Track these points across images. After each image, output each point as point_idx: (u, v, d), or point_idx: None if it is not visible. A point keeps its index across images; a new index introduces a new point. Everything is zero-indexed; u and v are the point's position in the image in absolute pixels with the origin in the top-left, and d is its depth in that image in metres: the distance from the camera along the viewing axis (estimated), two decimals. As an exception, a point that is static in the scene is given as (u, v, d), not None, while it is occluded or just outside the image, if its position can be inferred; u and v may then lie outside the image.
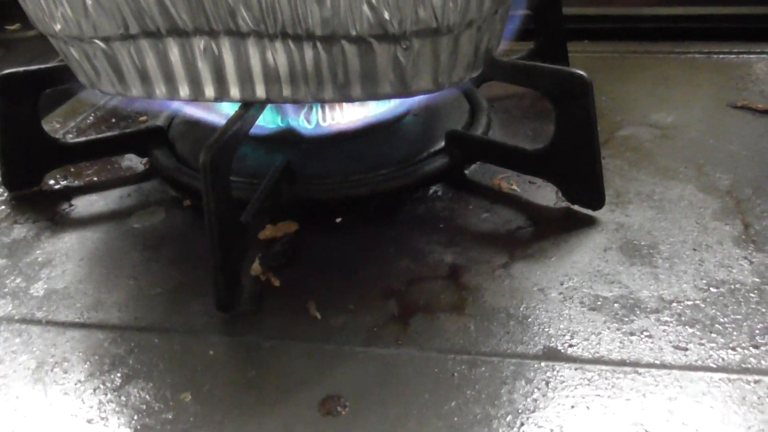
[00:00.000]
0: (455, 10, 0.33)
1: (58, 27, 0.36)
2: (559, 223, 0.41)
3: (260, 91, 0.36)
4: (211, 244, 0.33)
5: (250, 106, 0.37)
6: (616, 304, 0.34)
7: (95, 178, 0.49)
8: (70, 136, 0.55)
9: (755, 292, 0.34)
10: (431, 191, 0.44)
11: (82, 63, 0.38)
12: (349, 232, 0.41)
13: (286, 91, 0.36)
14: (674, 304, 0.34)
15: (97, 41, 0.35)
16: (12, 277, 0.39)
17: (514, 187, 0.44)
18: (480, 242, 0.39)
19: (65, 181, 0.48)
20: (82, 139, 0.49)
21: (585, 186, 0.41)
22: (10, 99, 0.44)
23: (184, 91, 0.37)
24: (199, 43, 0.35)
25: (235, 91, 0.36)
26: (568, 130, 0.40)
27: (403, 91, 0.35)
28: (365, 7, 0.31)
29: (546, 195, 0.43)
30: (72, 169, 0.49)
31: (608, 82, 0.61)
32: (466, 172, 0.46)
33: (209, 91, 0.36)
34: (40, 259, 0.40)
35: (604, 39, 0.70)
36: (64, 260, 0.40)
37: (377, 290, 0.36)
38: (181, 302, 0.36)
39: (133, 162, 0.50)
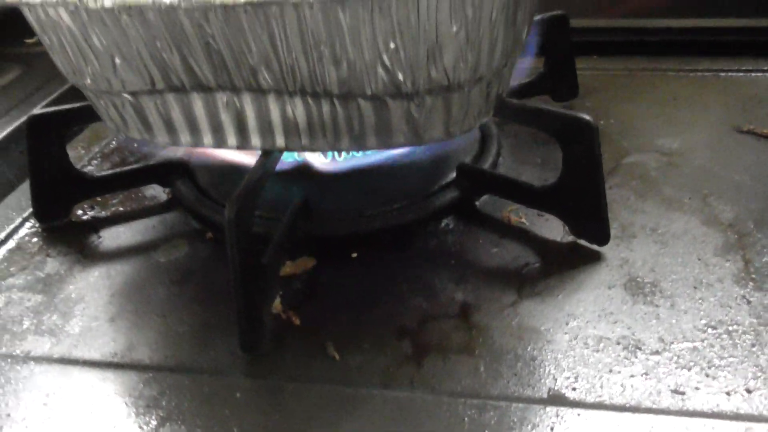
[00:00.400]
0: (466, 68, 0.34)
1: (87, 81, 0.38)
2: (565, 257, 0.43)
3: (280, 141, 0.38)
4: (235, 292, 0.35)
5: (270, 154, 0.39)
6: (618, 345, 0.36)
7: (120, 208, 0.51)
8: (95, 161, 0.57)
9: (751, 333, 0.36)
10: (443, 224, 0.46)
11: (110, 112, 0.40)
12: (364, 267, 0.43)
13: (305, 141, 0.37)
14: (674, 345, 0.36)
15: (125, 95, 0.37)
16: (48, 314, 0.41)
17: (523, 220, 0.46)
18: (489, 279, 0.41)
19: (92, 212, 0.51)
20: (108, 172, 0.51)
21: (590, 222, 0.43)
22: (39, 138, 0.46)
23: (207, 139, 0.39)
24: (222, 98, 0.36)
25: (256, 141, 0.38)
26: (574, 170, 0.42)
27: (415, 141, 0.37)
28: (380, 69, 0.33)
29: (554, 228, 0.45)
30: (98, 199, 0.52)
31: (616, 102, 0.62)
32: (477, 203, 0.48)
33: (231, 140, 0.38)
34: (73, 295, 0.42)
35: (613, 53, 0.71)
36: (96, 296, 0.42)
37: (392, 329, 0.38)
38: (207, 341, 0.38)
39: (157, 191, 0.52)
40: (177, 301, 0.41)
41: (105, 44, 0.34)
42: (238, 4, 0.29)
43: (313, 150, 0.38)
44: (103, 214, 0.50)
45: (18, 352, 0.39)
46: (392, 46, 0.32)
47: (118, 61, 0.35)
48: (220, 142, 0.39)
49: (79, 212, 0.50)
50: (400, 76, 0.33)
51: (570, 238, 0.44)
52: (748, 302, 0.38)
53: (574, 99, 0.61)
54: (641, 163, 0.52)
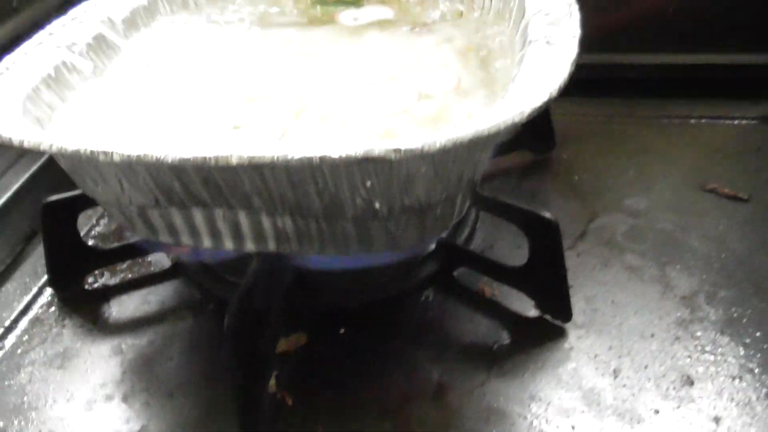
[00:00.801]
0: (436, 194, 0.38)
1: (98, 196, 0.42)
2: (533, 332, 0.47)
3: (272, 246, 0.42)
4: (233, 384, 0.40)
5: (264, 256, 0.43)
6: (573, 430, 0.41)
7: (129, 275, 0.55)
8: (104, 221, 0.61)
9: (697, 413, 0.41)
10: (423, 297, 0.51)
11: (118, 217, 0.44)
12: (351, 344, 0.47)
13: (295, 247, 0.41)
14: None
15: (131, 207, 0.41)
16: (68, 391, 0.46)
17: (496, 292, 0.50)
18: (464, 356, 0.46)
19: (102, 278, 0.55)
20: (115, 245, 0.55)
21: (554, 302, 0.47)
22: (53, 221, 0.51)
23: (206, 242, 0.43)
24: (219, 213, 0.40)
25: (250, 245, 0.42)
26: (540, 258, 0.46)
27: (394, 248, 0.41)
28: (358, 200, 0.37)
29: (523, 302, 0.49)
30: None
31: (591, 154, 0.66)
32: (455, 273, 0.52)
33: (228, 244, 0.42)
34: (89, 370, 0.47)
35: (589, 91, 0.73)
36: (110, 373, 0.47)
37: (375, 411, 0.43)
38: (213, 422, 0.43)
39: (161, 258, 0.56)
40: (185, 378, 0.46)
41: (114, 173, 0.38)
42: (231, 165, 0.33)
43: (302, 254, 0.42)
44: (112, 281, 0.55)
45: (46, 431, 0.44)
46: (369, 183, 0.36)
47: (125, 185, 0.39)
48: (217, 245, 0.43)
49: (90, 279, 0.55)
50: (377, 205, 0.37)
51: (537, 313, 0.49)
52: (691, 383, 0.43)
53: (551, 151, 0.64)
54: (608, 227, 0.56)
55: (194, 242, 0.43)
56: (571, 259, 0.53)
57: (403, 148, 0.32)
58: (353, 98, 0.47)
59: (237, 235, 0.42)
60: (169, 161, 0.33)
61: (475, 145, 0.33)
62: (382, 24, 0.56)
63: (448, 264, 0.51)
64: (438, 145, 0.32)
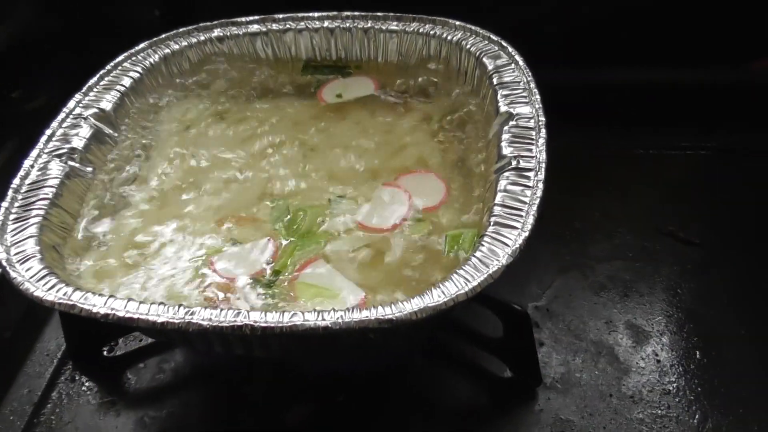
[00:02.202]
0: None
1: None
2: (508, 394, 0.54)
3: (277, 354, 0.47)
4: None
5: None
6: (541, 495, 0.49)
7: (140, 342, 0.60)
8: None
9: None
10: (411, 361, 0.57)
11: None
12: (349, 413, 0.54)
13: (299, 359, 0.47)
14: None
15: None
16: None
17: (476, 354, 0.57)
18: (448, 425, 0.53)
19: (117, 347, 0.60)
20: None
21: (527, 369, 0.54)
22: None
23: (218, 349, 0.48)
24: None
25: (259, 353, 0.47)
26: (514, 338, 0.52)
27: (385, 353, 0.47)
28: (355, 336, 0.42)
29: (500, 363, 0.56)
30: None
31: (557, 191, 0.70)
32: (439, 336, 0.58)
33: (239, 351, 0.47)
34: (121, 448, 0.53)
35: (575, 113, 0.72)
36: (139, 451, 0.53)
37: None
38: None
39: (169, 322, 0.61)
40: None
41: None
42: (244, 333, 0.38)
43: (304, 361, 0.48)
44: (127, 349, 0.60)
45: None
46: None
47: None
48: (228, 352, 0.48)
49: (105, 350, 0.60)
50: (371, 335, 0.42)
51: (511, 374, 0.55)
52: (641, 444, 0.51)
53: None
54: (572, 291, 0.61)
55: (206, 349, 0.48)
56: (541, 312, 0.59)
57: (395, 317, 0.37)
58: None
59: (246, 347, 0.47)
60: (190, 330, 0.38)
61: (457, 305, 0.38)
62: (363, 100, 0.59)
63: (434, 330, 0.57)
64: (425, 315, 0.37)
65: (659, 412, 0.52)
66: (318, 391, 0.55)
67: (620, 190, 0.70)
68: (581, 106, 0.75)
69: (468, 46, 0.58)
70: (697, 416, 0.52)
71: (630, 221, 0.67)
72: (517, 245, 0.40)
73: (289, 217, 0.50)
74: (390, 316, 0.37)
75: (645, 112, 0.76)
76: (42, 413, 0.56)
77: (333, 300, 0.42)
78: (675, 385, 0.54)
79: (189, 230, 0.51)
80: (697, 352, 0.56)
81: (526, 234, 0.41)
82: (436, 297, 0.38)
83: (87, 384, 0.58)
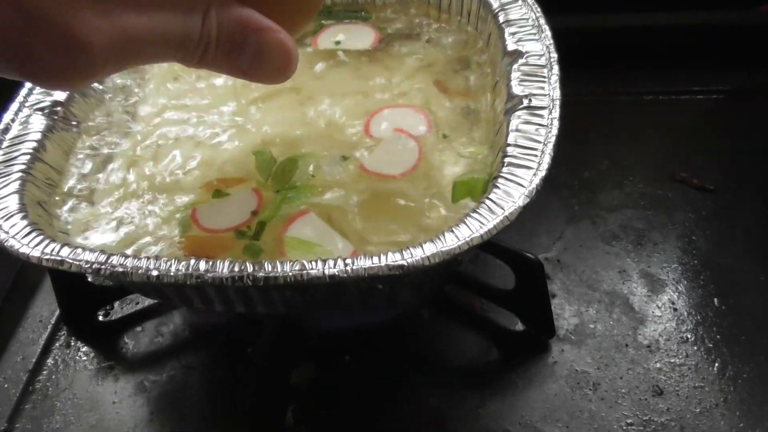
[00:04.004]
0: (434, 272, 0.41)
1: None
2: (520, 347, 0.52)
3: (281, 310, 0.45)
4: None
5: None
6: (558, 446, 0.47)
7: (137, 305, 0.58)
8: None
9: (663, 429, 0.47)
10: (419, 316, 0.55)
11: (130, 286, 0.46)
12: (356, 371, 0.52)
13: (303, 311, 0.45)
14: (601, 443, 0.47)
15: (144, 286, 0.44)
16: (105, 438, 0.50)
17: (485, 307, 0.55)
18: (458, 379, 0.51)
19: (113, 311, 0.58)
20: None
21: (539, 321, 0.52)
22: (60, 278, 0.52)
23: (218, 307, 0.45)
24: (231, 289, 0.43)
25: (261, 309, 0.45)
26: (526, 289, 0.50)
27: (393, 306, 0.45)
28: (363, 285, 0.40)
29: (510, 317, 0.54)
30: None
31: (565, 140, 0.67)
32: (446, 288, 0.56)
33: (240, 308, 0.45)
34: (119, 412, 0.51)
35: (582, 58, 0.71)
36: (139, 413, 0.51)
37: (384, 441, 0.48)
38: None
39: (166, 284, 0.59)
40: (208, 416, 0.51)
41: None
42: (246, 286, 0.35)
43: (310, 316, 0.45)
44: (123, 313, 0.58)
45: (89, 477, 0.49)
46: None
47: (153, 274, 0.41)
48: (229, 310, 0.46)
49: (101, 312, 0.58)
50: (379, 286, 0.40)
51: (524, 327, 0.53)
52: (661, 393, 0.49)
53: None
54: (584, 236, 0.59)
55: (206, 307, 0.46)
56: (551, 264, 0.57)
57: (407, 263, 0.35)
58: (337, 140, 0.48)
59: (248, 303, 0.45)
60: (188, 283, 0.36)
61: (472, 248, 0.36)
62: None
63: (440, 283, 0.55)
64: (438, 260, 0.35)
65: (677, 360, 0.51)
66: (323, 351, 0.53)
67: (630, 137, 0.68)
68: (587, 51, 0.71)
69: (471, -15, 0.55)
70: (716, 364, 0.50)
71: (641, 169, 0.65)
72: (534, 185, 0.38)
73: (275, 167, 0.47)
74: (401, 262, 0.35)
75: (654, 57, 0.73)
76: (37, 380, 0.54)
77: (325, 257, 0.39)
78: (693, 333, 0.52)
79: (175, 185, 0.48)
80: (715, 300, 0.54)
81: (543, 173, 0.38)
82: (450, 241, 0.36)
83: (83, 349, 0.56)
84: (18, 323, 0.58)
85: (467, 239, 0.35)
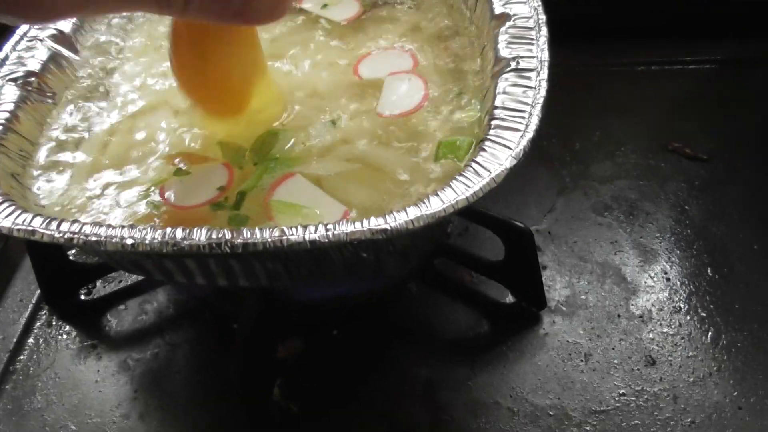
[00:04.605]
0: (420, 239, 0.40)
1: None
2: (510, 319, 0.52)
3: (264, 282, 0.43)
4: (244, 403, 0.44)
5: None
6: (550, 417, 0.46)
7: (120, 284, 0.57)
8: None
9: (653, 399, 0.46)
10: (407, 288, 0.54)
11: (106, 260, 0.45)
12: (344, 346, 0.51)
13: (286, 282, 0.43)
14: (594, 416, 0.46)
15: (123, 260, 0.42)
16: (88, 414, 0.49)
17: (475, 280, 0.54)
18: (448, 351, 0.50)
19: (95, 290, 0.57)
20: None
21: (530, 293, 0.51)
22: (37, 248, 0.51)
23: (200, 280, 0.44)
24: (212, 261, 0.42)
25: (243, 282, 0.43)
26: (516, 259, 0.49)
27: (379, 276, 0.44)
28: (346, 253, 0.38)
29: (500, 289, 0.53)
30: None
31: (555, 113, 0.66)
32: (435, 262, 0.55)
33: (222, 281, 0.44)
34: (102, 390, 0.50)
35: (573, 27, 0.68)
36: (122, 392, 0.50)
37: (373, 414, 0.47)
38: (229, 434, 0.47)
39: (149, 262, 0.58)
40: (194, 391, 0.50)
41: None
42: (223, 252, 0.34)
43: (294, 287, 0.44)
44: (105, 291, 0.56)
45: (71, 456, 0.48)
46: (355, 242, 0.37)
47: (128, 241, 0.39)
48: (211, 283, 0.44)
49: (83, 291, 0.57)
50: (363, 254, 0.39)
51: (514, 300, 0.52)
52: (653, 363, 0.48)
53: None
54: (576, 206, 0.58)
55: (187, 280, 0.44)
56: (542, 235, 0.56)
57: (390, 227, 0.34)
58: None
59: (230, 275, 0.43)
60: (164, 251, 0.34)
61: (458, 211, 0.35)
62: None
63: (429, 255, 0.54)
64: (423, 223, 0.34)
65: (670, 330, 0.50)
66: (311, 326, 0.52)
67: (622, 107, 0.67)
68: (575, 19, 0.70)
69: (456, -51, 0.53)
70: (710, 333, 0.49)
71: (633, 139, 0.64)
72: (521, 147, 0.36)
73: (255, 141, 0.45)
74: (384, 226, 0.34)
75: (645, 27, 0.71)
76: (18, 360, 0.53)
77: (314, 220, 0.38)
78: (686, 303, 0.51)
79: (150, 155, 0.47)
80: (708, 269, 0.53)
81: (530, 135, 0.37)
82: (435, 205, 0.35)
83: (65, 329, 0.54)
84: (-2, 301, 0.57)
85: (452, 202, 0.34)
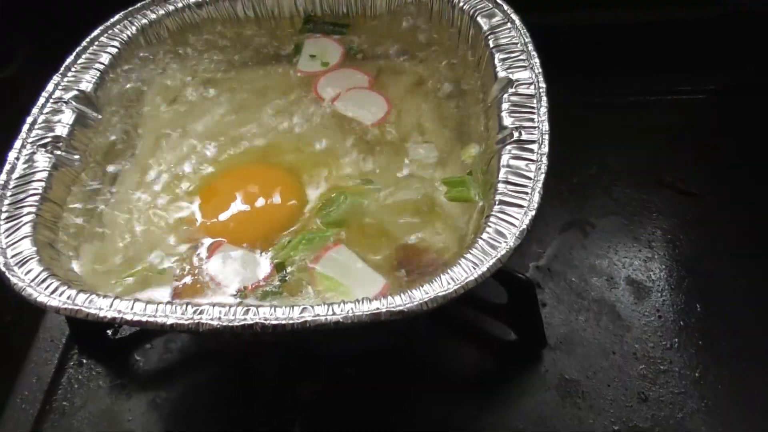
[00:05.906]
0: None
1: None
2: (514, 357, 0.55)
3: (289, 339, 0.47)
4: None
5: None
6: (551, 454, 0.50)
7: (145, 322, 0.60)
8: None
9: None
10: (417, 330, 0.57)
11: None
12: (360, 387, 0.54)
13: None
14: (590, 448, 0.50)
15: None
16: (123, 457, 0.53)
17: (479, 318, 0.57)
18: (457, 391, 0.54)
19: (121, 329, 0.60)
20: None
21: (531, 334, 0.54)
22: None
23: (227, 337, 0.48)
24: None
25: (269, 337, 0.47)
26: (518, 305, 0.52)
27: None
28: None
29: (504, 327, 0.56)
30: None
31: (563, 147, 0.68)
32: (442, 301, 0.58)
33: (248, 338, 0.47)
34: (135, 430, 0.54)
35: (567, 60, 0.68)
36: (154, 431, 0.54)
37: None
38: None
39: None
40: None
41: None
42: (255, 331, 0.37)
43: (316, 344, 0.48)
44: (129, 330, 0.60)
45: (109, 494, 0.51)
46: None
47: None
48: (238, 340, 0.48)
49: (110, 332, 0.60)
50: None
51: (516, 337, 0.56)
52: (645, 400, 0.52)
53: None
54: (573, 236, 0.62)
55: (216, 340, 0.48)
56: (542, 272, 0.60)
57: (406, 308, 0.37)
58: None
59: (257, 335, 0.47)
60: (200, 330, 0.38)
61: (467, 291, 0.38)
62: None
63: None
64: (436, 304, 0.37)
65: (662, 367, 0.54)
66: (329, 367, 0.55)
67: (617, 139, 0.69)
68: (570, 52, 0.73)
69: (461, 4, 0.56)
70: (698, 370, 0.53)
71: (628, 172, 0.67)
72: (524, 225, 0.40)
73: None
74: (401, 308, 0.37)
75: (637, 57, 0.74)
76: (53, 399, 0.56)
77: (349, 297, 0.41)
78: (676, 339, 0.55)
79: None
80: (698, 305, 0.57)
81: (533, 213, 0.40)
82: (446, 284, 0.38)
83: (96, 368, 0.58)
84: (30, 343, 0.60)
85: (462, 283, 0.38)
